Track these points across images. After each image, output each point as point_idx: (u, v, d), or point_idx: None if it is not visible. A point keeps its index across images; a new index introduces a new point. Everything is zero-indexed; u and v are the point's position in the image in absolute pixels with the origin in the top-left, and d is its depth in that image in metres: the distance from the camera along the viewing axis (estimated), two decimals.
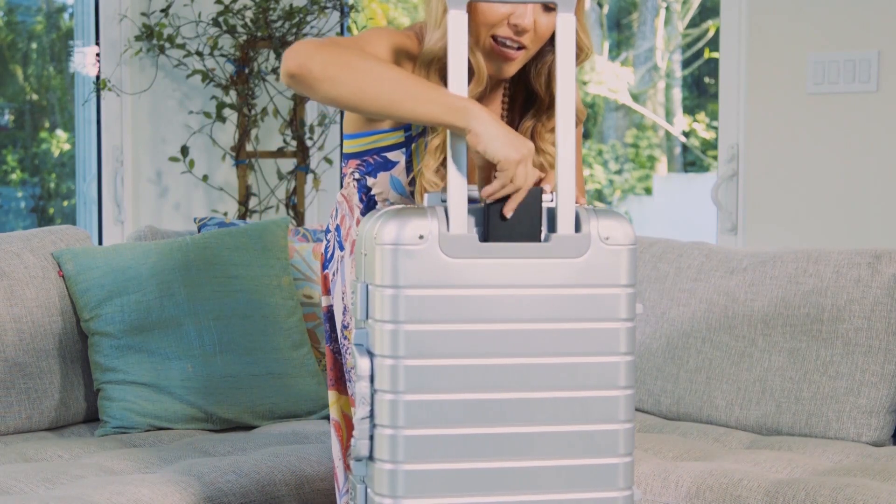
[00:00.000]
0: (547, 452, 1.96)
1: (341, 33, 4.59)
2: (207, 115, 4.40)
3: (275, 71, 4.42)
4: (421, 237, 1.91)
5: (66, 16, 5.77)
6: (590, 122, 11.16)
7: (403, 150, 2.19)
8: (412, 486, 1.92)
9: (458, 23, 1.95)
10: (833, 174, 3.92)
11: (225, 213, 4.32)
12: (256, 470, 2.61)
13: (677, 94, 11.68)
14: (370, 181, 2.23)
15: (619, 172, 11.54)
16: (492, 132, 1.94)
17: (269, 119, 4.55)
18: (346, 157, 2.27)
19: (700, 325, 3.15)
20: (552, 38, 2.13)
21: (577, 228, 1.96)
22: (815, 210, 3.95)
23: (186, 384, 3.01)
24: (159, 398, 2.99)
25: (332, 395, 2.32)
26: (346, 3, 4.49)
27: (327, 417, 3.03)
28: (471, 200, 1.96)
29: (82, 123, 4.67)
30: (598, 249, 1.96)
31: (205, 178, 4.44)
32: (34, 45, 5.87)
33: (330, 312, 2.33)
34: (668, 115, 11.61)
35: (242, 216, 4.40)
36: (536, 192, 1.96)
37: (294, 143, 4.49)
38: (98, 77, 4.41)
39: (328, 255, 2.33)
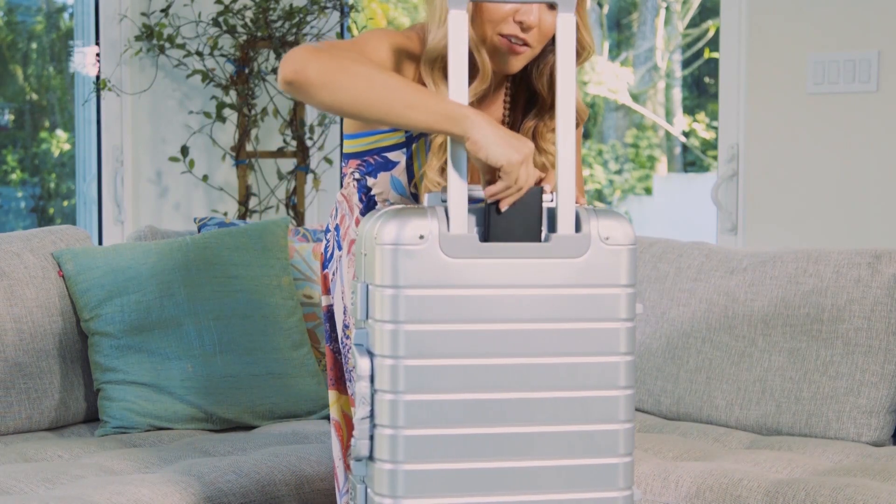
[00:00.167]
0: (547, 452, 1.96)
1: (341, 33, 4.59)
2: (207, 115, 4.40)
3: (275, 71, 4.42)
4: (421, 237, 1.91)
5: (66, 16, 5.77)
6: (590, 122, 11.14)
7: (404, 150, 2.19)
8: (412, 486, 1.92)
9: (458, 22, 1.95)
10: (833, 174, 3.92)
11: (225, 213, 4.32)
12: (256, 470, 2.61)
13: (677, 94, 11.68)
14: (370, 181, 2.23)
15: (619, 172, 11.54)
16: (490, 138, 1.94)
17: (269, 119, 4.55)
18: (346, 157, 2.27)
19: (700, 325, 3.15)
20: (554, 38, 2.13)
21: (578, 228, 1.96)
22: (815, 210, 3.95)
23: (186, 384, 3.01)
24: (159, 398, 2.99)
25: (332, 395, 2.32)
26: (346, 3, 4.49)
27: (327, 417, 3.04)
28: (471, 200, 1.96)
29: (82, 123, 4.67)
30: (598, 249, 1.96)
31: (205, 178, 4.44)
32: (34, 45, 5.87)
33: (330, 312, 2.33)
34: (668, 115, 11.61)
35: (242, 216, 4.40)
36: (536, 191, 1.96)
37: (294, 143, 4.49)
38: (98, 77, 4.41)
39: (328, 255, 2.33)
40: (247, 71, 4.37)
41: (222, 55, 4.36)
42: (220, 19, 4.32)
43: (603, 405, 1.97)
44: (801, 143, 3.97)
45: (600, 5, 11.02)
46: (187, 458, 2.73)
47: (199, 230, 3.39)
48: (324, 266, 2.34)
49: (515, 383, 1.94)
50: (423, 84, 2.12)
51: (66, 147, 5.64)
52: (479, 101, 2.19)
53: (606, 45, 11.31)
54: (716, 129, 8.08)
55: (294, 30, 4.34)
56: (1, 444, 2.80)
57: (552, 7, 2.11)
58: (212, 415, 3.02)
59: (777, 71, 3.99)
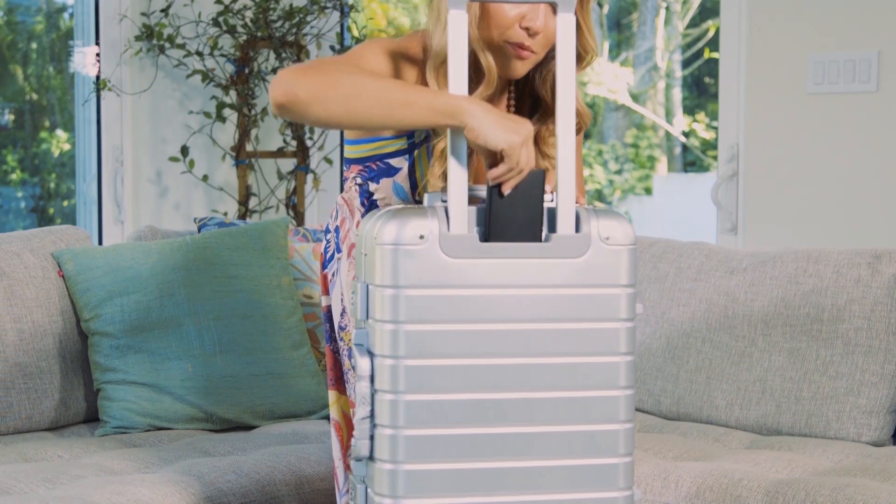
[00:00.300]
0: (547, 452, 1.96)
1: (341, 33, 4.59)
2: (207, 115, 4.40)
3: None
4: (421, 237, 1.91)
5: (66, 16, 5.77)
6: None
7: (406, 156, 2.19)
8: (412, 486, 1.91)
9: (458, 23, 1.95)
10: (833, 174, 3.92)
11: (225, 213, 4.32)
12: (256, 470, 2.61)
13: (677, 94, 11.67)
14: (373, 186, 2.22)
15: (619, 172, 11.54)
16: (487, 123, 1.94)
17: (269, 119, 4.55)
18: (348, 161, 2.27)
19: (700, 325, 3.15)
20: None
21: (578, 228, 1.96)
22: (815, 210, 3.95)
23: (186, 384, 3.01)
24: (159, 398, 2.99)
25: (332, 395, 2.32)
26: (346, 3, 4.49)
27: (327, 417, 3.04)
28: (472, 200, 1.96)
29: (82, 123, 4.67)
30: (599, 249, 1.96)
31: (205, 178, 4.44)
32: (34, 45, 5.87)
33: (330, 312, 2.33)
34: (668, 115, 11.60)
35: (242, 216, 4.40)
36: (538, 173, 1.96)
37: (294, 143, 4.49)
38: (98, 77, 4.41)
39: (328, 255, 2.33)
40: (247, 71, 4.37)
41: (222, 55, 4.36)
42: (220, 19, 4.32)
43: (603, 405, 1.97)
44: (801, 143, 3.96)
45: (600, 5, 11.02)
46: (187, 458, 2.73)
47: (199, 230, 3.39)
48: (324, 266, 2.34)
49: (516, 383, 1.94)
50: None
51: (66, 147, 5.64)
52: None
53: (606, 45, 11.31)
54: (716, 129, 8.08)
55: (294, 30, 4.34)
56: (1, 444, 2.80)
57: (556, 11, 2.11)
58: (212, 415, 3.02)
59: (777, 71, 3.99)
